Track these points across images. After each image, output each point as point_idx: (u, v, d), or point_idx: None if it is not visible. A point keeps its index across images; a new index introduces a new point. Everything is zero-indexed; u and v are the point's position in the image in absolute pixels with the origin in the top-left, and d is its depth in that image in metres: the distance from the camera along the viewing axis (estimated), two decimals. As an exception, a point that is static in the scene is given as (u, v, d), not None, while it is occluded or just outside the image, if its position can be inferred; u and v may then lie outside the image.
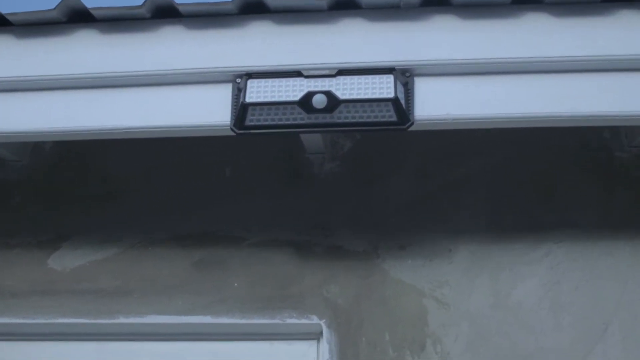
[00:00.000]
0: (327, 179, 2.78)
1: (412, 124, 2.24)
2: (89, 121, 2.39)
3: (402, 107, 2.23)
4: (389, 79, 2.24)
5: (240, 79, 2.31)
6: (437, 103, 2.26)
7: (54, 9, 2.36)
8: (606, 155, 2.70)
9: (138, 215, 2.82)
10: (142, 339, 2.70)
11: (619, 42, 2.23)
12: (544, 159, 2.71)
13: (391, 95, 2.21)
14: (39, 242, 2.83)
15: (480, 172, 2.71)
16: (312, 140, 2.70)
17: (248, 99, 2.25)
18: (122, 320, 2.66)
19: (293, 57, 2.30)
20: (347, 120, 2.26)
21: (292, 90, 2.25)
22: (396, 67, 2.26)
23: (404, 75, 2.27)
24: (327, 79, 2.25)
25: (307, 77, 2.26)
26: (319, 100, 2.22)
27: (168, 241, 2.76)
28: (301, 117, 2.27)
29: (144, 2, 2.33)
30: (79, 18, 2.41)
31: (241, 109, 2.27)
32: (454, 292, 2.56)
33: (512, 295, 2.53)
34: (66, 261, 2.78)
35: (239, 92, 2.31)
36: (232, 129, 2.30)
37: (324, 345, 2.54)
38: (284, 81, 2.27)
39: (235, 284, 2.66)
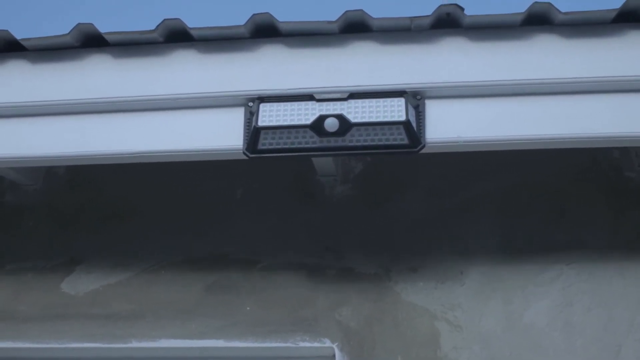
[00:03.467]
0: (338, 202, 2.79)
1: (424, 146, 2.25)
2: (101, 146, 2.41)
3: (413, 130, 2.24)
4: (400, 102, 2.25)
5: (252, 103, 2.33)
6: (448, 125, 2.28)
7: (68, 34, 2.38)
8: (616, 175, 2.70)
9: (150, 238, 2.83)
10: (154, 363, 2.71)
11: (628, 63, 2.24)
12: (554, 180, 2.71)
13: (402, 118, 2.22)
14: (53, 266, 2.84)
15: (491, 194, 2.71)
16: (323, 163, 2.71)
17: (260, 123, 2.27)
18: (135, 344, 2.66)
19: (305, 80, 2.32)
20: (358, 144, 2.27)
21: (304, 113, 2.27)
22: (407, 90, 2.28)
23: (415, 98, 2.29)
24: (338, 103, 2.27)
25: (318, 100, 2.28)
26: (331, 124, 2.23)
27: (180, 264, 2.76)
28: (313, 140, 2.28)
29: (157, 26, 2.36)
30: (92, 43, 2.44)
31: (254, 133, 2.28)
32: (466, 315, 2.55)
33: (524, 317, 2.52)
34: (79, 285, 2.79)
35: (251, 115, 2.32)
36: (244, 153, 2.31)
37: (337, 368, 2.54)
38: (296, 105, 2.29)
39: (248, 308, 2.66)
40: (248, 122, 2.33)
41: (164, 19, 2.34)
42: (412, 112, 2.25)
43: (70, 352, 2.70)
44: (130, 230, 2.86)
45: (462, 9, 2.27)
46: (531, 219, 2.66)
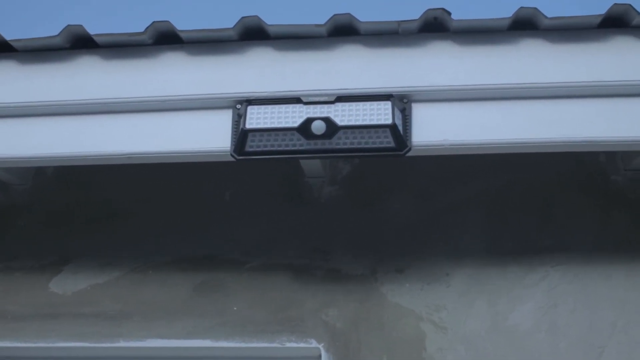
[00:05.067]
0: (326, 203, 2.81)
1: (410, 149, 2.28)
2: (90, 147, 2.43)
3: (399, 133, 2.26)
4: (387, 105, 2.27)
5: (240, 105, 2.35)
6: (434, 129, 2.30)
7: (57, 35, 2.40)
8: (602, 179, 2.73)
9: (139, 239, 2.84)
10: (142, 363, 2.72)
11: (613, 68, 2.27)
12: (540, 183, 2.73)
13: (389, 121, 2.24)
14: (41, 266, 2.84)
15: (477, 196, 2.73)
16: (311, 165, 2.72)
17: (248, 125, 2.29)
18: (122, 344, 2.67)
19: (292, 83, 2.34)
20: (345, 146, 2.29)
21: (291, 116, 2.29)
22: (394, 94, 2.30)
23: (402, 102, 2.31)
24: (326, 106, 2.29)
25: (306, 103, 2.30)
26: (318, 127, 2.25)
27: (168, 265, 2.77)
28: (300, 143, 2.30)
29: (146, 28, 2.38)
30: (82, 44, 2.46)
31: (241, 135, 2.30)
32: (451, 316, 2.57)
33: (509, 319, 2.54)
34: (68, 285, 2.80)
35: (239, 118, 2.34)
36: (232, 155, 2.33)
37: (323, 368, 2.56)
38: (283, 107, 2.31)
39: (235, 308, 2.67)
40: (236, 124, 2.35)
41: (153, 21, 2.36)
42: (398, 115, 2.28)
43: (59, 351, 2.71)
44: (119, 230, 2.87)
45: (449, 13, 2.29)
46: (517, 222, 2.68)
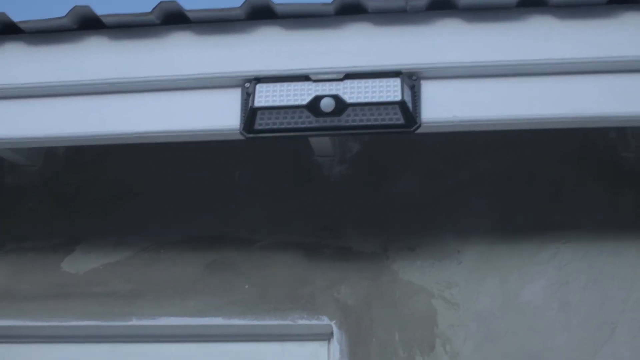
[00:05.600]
0: (336, 182, 2.80)
1: (419, 126, 2.27)
2: (100, 126, 2.43)
3: (409, 110, 2.25)
4: (396, 82, 2.26)
5: (249, 84, 2.34)
6: (443, 106, 2.29)
7: (64, 16, 2.40)
8: (613, 156, 2.71)
9: (150, 218, 2.85)
10: (155, 341, 2.73)
11: (623, 43, 2.25)
12: (550, 161, 2.72)
13: (398, 98, 2.23)
14: (53, 246, 2.86)
15: (488, 174, 2.72)
16: (321, 143, 2.72)
17: (257, 103, 2.28)
18: (134, 322, 2.69)
19: (301, 61, 2.33)
20: (354, 124, 2.29)
21: (300, 94, 2.29)
22: (403, 71, 2.29)
23: (411, 79, 2.30)
24: (334, 83, 2.29)
25: (315, 81, 2.30)
26: (327, 104, 2.25)
27: (179, 244, 2.78)
28: (309, 120, 2.29)
29: (153, 8, 2.37)
30: (89, 25, 2.45)
31: (250, 113, 2.30)
32: (462, 293, 2.57)
33: (520, 296, 2.54)
34: (79, 264, 2.81)
35: (247, 96, 2.34)
36: (241, 133, 2.33)
37: (335, 345, 2.56)
38: (292, 85, 2.30)
39: (247, 286, 2.68)
40: (245, 103, 2.34)
41: (160, 1, 2.35)
42: (407, 92, 2.27)
43: (71, 330, 2.73)
44: (130, 210, 2.88)
45: (456, -10, 2.28)
46: (528, 199, 2.67)
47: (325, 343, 2.65)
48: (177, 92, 2.42)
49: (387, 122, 2.28)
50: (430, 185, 2.75)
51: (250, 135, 2.33)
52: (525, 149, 2.74)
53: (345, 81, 2.29)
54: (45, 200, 2.96)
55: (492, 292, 2.56)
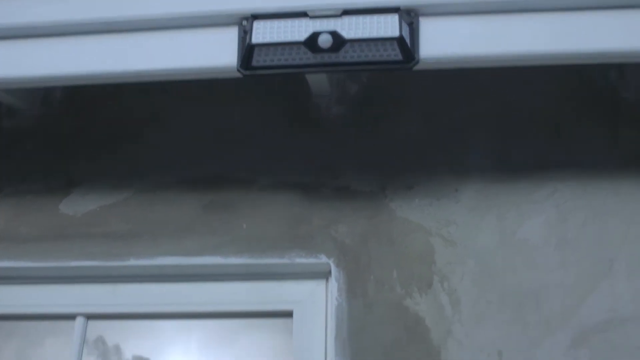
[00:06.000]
0: (334, 122, 2.80)
1: (417, 62, 2.26)
2: (96, 65, 2.41)
3: (407, 46, 2.24)
4: (394, 18, 2.24)
5: (246, 21, 2.32)
6: (442, 42, 2.27)
7: (62, -45, 2.38)
8: (612, 95, 2.70)
9: (147, 160, 2.85)
10: (154, 280, 2.74)
11: (624, -23, 2.24)
12: (550, 99, 2.71)
13: (396, 34, 2.21)
14: (50, 189, 2.86)
15: (486, 112, 2.72)
16: (319, 83, 2.71)
17: (254, 40, 2.27)
18: (132, 262, 2.69)
19: (298, -3, 2.32)
20: (352, 60, 2.27)
21: (297, 30, 2.26)
22: (401, 7, 2.26)
23: (409, 15, 2.28)
24: (332, 19, 2.26)
25: (312, 17, 2.27)
26: (325, 40, 2.23)
27: (177, 185, 2.78)
28: (307, 57, 2.28)
29: (151, -53, 2.35)
30: (86, -37, 2.43)
31: (247, 50, 2.28)
32: (460, 231, 2.57)
33: (518, 233, 2.54)
34: (77, 206, 2.81)
35: (245, 34, 2.32)
36: (238, 70, 2.32)
37: (333, 283, 2.57)
38: (289, 22, 2.28)
39: (244, 225, 2.68)
40: (242, 40, 2.32)
41: (155, -61, 2.33)
42: (405, 28, 2.25)
43: (70, 270, 2.74)
44: (127, 152, 2.88)
45: None
46: (527, 138, 2.67)
47: (323, 281, 2.66)
48: (174, 31, 2.39)
49: (385, 58, 2.27)
50: (429, 124, 2.74)
51: (248, 72, 2.32)
52: (525, 89, 2.73)
53: (343, 17, 2.26)
54: (43, 144, 2.96)
55: (490, 229, 2.56)
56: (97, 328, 2.80)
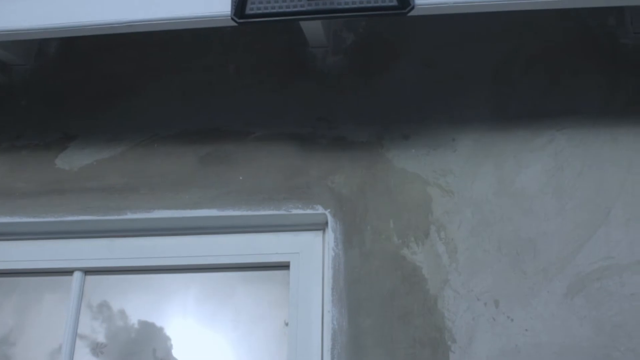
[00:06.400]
0: (330, 72, 2.78)
1: (413, 8, 2.24)
2: (91, 16, 2.42)
3: (402, -9, 2.23)
4: (390, -37, 2.23)
5: (240, -32, 2.32)
6: (437, -13, 2.26)
7: None
8: (611, 42, 2.68)
9: (143, 113, 2.84)
10: (151, 234, 2.74)
11: None
12: (547, 48, 2.69)
13: (391, -21, 2.21)
14: (46, 143, 2.86)
15: (483, 61, 2.70)
16: (314, 33, 2.69)
17: (248, -13, 2.26)
18: (130, 215, 2.69)
19: (293, -56, 2.29)
20: (347, 6, 2.26)
21: (292, -23, 2.26)
22: (396, -48, 2.26)
23: (405, -40, 2.27)
24: (327, -35, 2.26)
25: (307, -37, 2.27)
26: (319, -14, 2.22)
27: (174, 138, 2.77)
28: (301, 3, 2.27)
29: None
30: None
31: (241, -2, 2.27)
32: (457, 180, 2.56)
33: (515, 182, 2.53)
34: (73, 161, 2.81)
35: (239, -19, 2.31)
36: (232, 19, 2.30)
37: (330, 234, 2.56)
38: (284, -32, 2.27)
39: (241, 177, 2.68)
40: (236, -12, 2.32)
41: None
42: (401, -27, 2.24)
43: (67, 225, 2.74)
44: (123, 106, 2.87)
45: None
46: (523, 87, 2.65)
47: (320, 232, 2.66)
48: (168, -20, 2.40)
49: (380, 4, 2.25)
50: (426, 74, 2.72)
51: (242, 21, 2.30)
52: (522, 36, 2.71)
53: (339, -37, 2.26)
54: (38, 99, 2.95)
55: (487, 179, 2.55)
56: (98, 288, 2.81)
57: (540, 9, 2.35)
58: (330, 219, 2.58)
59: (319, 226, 2.65)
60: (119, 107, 2.86)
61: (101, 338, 2.76)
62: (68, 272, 2.78)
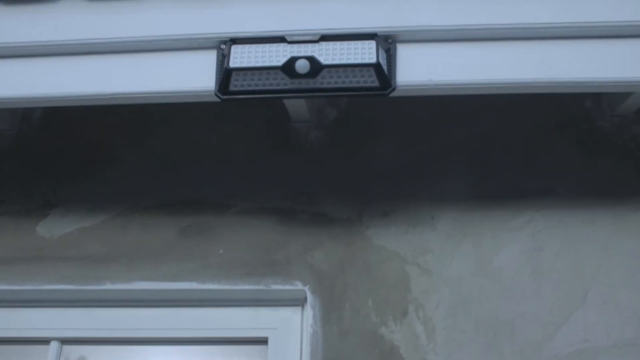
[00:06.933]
0: (312, 148, 2.80)
1: (394, 89, 2.27)
2: (75, 87, 2.42)
3: (384, 72, 2.25)
4: (371, 44, 2.25)
5: (224, 45, 2.33)
6: (418, 69, 2.28)
7: (41, -24, 2.39)
8: (588, 124, 2.72)
9: (125, 183, 2.84)
10: (129, 305, 2.72)
11: (601, 8, 2.25)
12: (526, 128, 2.73)
13: (373, 60, 2.22)
14: (27, 210, 2.85)
15: (462, 140, 2.73)
16: (297, 109, 2.72)
17: (232, 64, 2.27)
18: (109, 286, 2.68)
19: (277, 23, 2.32)
20: (329, 86, 2.28)
21: (275, 55, 2.27)
22: (379, 33, 2.28)
23: (386, 42, 2.29)
24: (310, 45, 2.27)
25: (290, 42, 2.28)
26: (302, 66, 2.24)
27: (154, 208, 2.77)
28: (284, 82, 2.29)
29: (130, -30, 2.36)
30: (65, -15, 2.44)
31: (225, 74, 2.29)
32: (436, 259, 2.57)
33: (493, 262, 2.54)
34: (54, 229, 2.80)
35: (223, 58, 2.33)
36: (216, 94, 2.32)
37: (309, 310, 2.56)
38: (267, 47, 2.29)
39: (221, 251, 2.68)
40: (220, 64, 2.33)
41: (136, -38, 2.34)
42: (383, 55, 2.26)
43: (45, 293, 2.72)
44: (105, 175, 2.87)
45: (433, -49, 2.28)
46: (503, 166, 2.68)
47: (299, 308, 2.65)
48: (153, 54, 2.40)
49: (361, 84, 2.28)
50: (406, 151, 2.75)
51: (225, 97, 2.32)
52: (500, 117, 2.75)
53: (321, 43, 2.27)
54: (21, 165, 2.95)
55: (465, 258, 2.56)
56: (75, 354, 2.78)
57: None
58: (309, 295, 2.58)
59: (298, 302, 2.64)
60: (101, 175, 2.87)
61: (76, 407, 2.74)
62: (45, 341, 2.75)
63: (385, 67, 2.25)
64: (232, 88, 2.31)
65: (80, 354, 2.78)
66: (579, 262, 2.51)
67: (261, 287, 2.62)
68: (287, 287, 2.61)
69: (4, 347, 2.81)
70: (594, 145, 2.69)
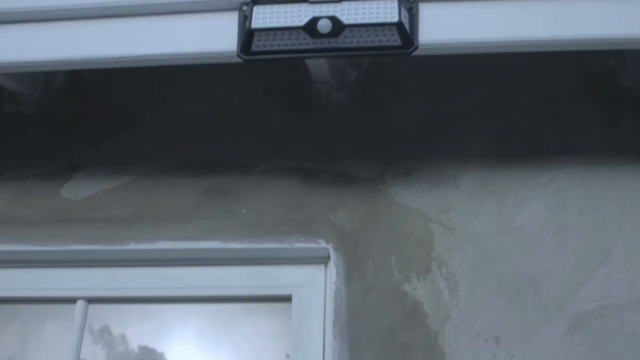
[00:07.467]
0: (334, 108, 2.81)
1: (416, 48, 2.27)
2: (98, 50, 2.43)
3: (406, 31, 2.25)
4: (393, 4, 2.25)
5: (246, 6, 2.34)
6: (441, 28, 2.28)
7: (64, -60, 2.39)
8: (611, 82, 2.70)
9: (148, 145, 2.86)
10: (154, 265, 2.76)
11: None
12: (548, 87, 2.72)
13: (395, 19, 2.22)
14: (51, 173, 2.87)
15: (486, 100, 2.72)
16: (319, 70, 2.72)
17: (254, 25, 2.28)
18: (133, 246, 2.71)
19: (298, -17, 2.32)
20: (351, 45, 2.29)
21: (297, 15, 2.27)
22: (401, -8, 2.29)
23: (408, 1, 2.29)
24: (332, 4, 2.27)
25: (312, 2, 2.28)
26: (324, 25, 2.24)
27: (178, 170, 2.80)
28: (306, 42, 2.29)
29: None
30: (87, -52, 2.44)
31: (247, 35, 2.29)
32: (459, 217, 2.58)
33: (516, 220, 2.55)
34: (78, 191, 2.83)
35: (245, 19, 2.33)
36: (238, 55, 2.33)
37: (332, 268, 2.58)
38: (289, 7, 2.29)
39: (244, 210, 2.70)
40: (242, 25, 2.34)
41: None
42: (405, 14, 2.26)
43: (71, 254, 2.76)
44: (129, 137, 2.89)
45: None
46: (525, 125, 2.68)
47: (322, 266, 2.67)
48: (175, 16, 2.42)
49: (384, 43, 2.28)
50: (429, 111, 2.75)
51: (247, 58, 2.33)
52: (524, 75, 2.74)
53: (343, 2, 2.27)
54: (44, 128, 2.97)
55: (488, 216, 2.57)
56: (100, 315, 2.82)
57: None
58: (332, 253, 2.60)
59: (321, 260, 2.66)
60: (124, 139, 2.89)
61: (102, 363, 2.78)
62: (71, 300, 2.79)
63: (407, 26, 2.25)
64: (254, 49, 2.32)
65: (104, 315, 2.82)
66: (602, 220, 2.51)
67: (284, 245, 2.64)
68: (311, 245, 2.63)
69: (32, 307, 2.87)
70: (617, 104, 2.67)
